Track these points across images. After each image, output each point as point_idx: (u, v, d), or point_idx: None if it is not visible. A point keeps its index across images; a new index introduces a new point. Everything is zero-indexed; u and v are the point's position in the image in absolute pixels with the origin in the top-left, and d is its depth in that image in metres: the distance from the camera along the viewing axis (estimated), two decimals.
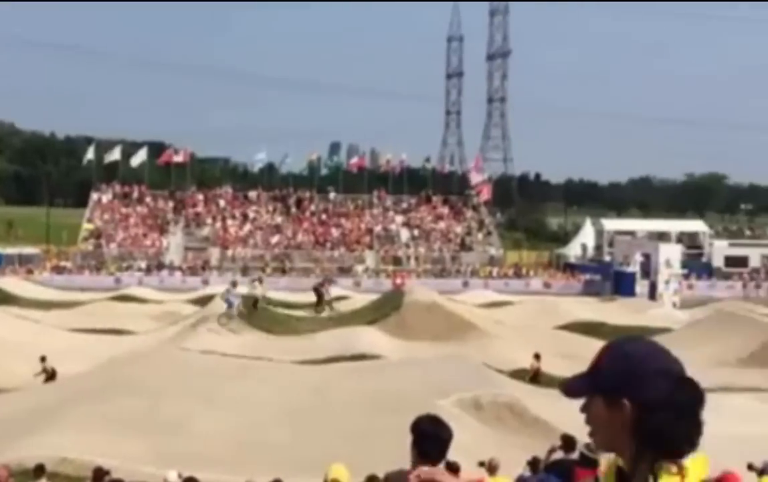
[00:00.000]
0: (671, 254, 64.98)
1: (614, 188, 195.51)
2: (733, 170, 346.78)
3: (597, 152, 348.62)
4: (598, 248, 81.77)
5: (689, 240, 78.39)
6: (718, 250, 77.46)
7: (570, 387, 2.57)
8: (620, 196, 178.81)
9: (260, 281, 44.31)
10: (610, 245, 77.62)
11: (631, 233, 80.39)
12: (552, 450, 13.43)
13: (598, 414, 2.50)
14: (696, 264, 73.22)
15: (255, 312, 39.85)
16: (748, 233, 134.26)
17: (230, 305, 37.79)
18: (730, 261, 74.41)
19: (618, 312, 50.83)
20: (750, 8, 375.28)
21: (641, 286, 64.41)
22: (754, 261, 74.50)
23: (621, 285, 65.23)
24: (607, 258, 75.93)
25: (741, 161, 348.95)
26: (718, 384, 32.26)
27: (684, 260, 67.70)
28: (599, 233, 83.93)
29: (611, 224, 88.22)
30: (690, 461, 2.58)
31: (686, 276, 67.17)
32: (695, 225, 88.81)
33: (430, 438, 4.66)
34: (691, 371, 2.57)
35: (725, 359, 35.90)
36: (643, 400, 2.42)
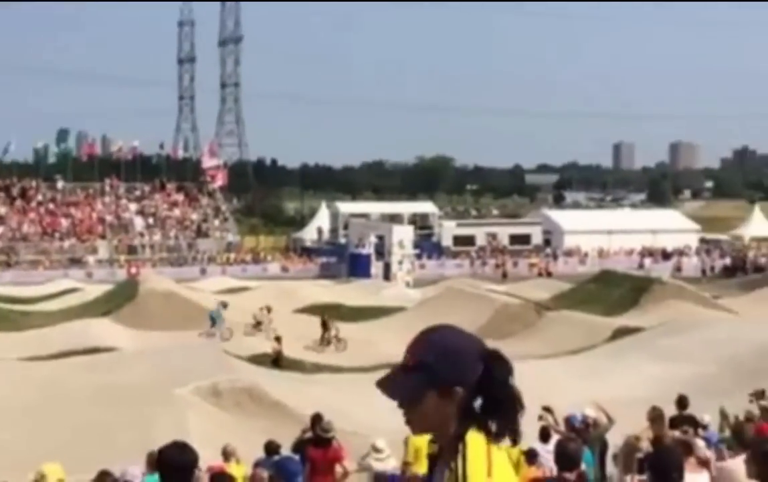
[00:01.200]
0: (404, 235, 67.14)
1: (348, 171, 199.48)
2: (459, 152, 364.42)
3: (332, 136, 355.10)
4: (334, 231, 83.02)
5: (420, 221, 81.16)
6: (447, 230, 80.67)
7: (399, 388, 2.67)
8: (354, 179, 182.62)
9: None
10: (345, 228, 78.93)
11: (366, 216, 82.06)
12: (304, 431, 13.54)
13: (430, 406, 2.62)
14: (427, 244, 75.99)
15: None
16: (474, 213, 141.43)
17: None
18: (458, 240, 77.76)
19: (354, 294, 51.93)
20: None
21: (376, 267, 66.05)
22: (480, 240, 78.25)
23: (356, 267, 66.53)
24: (343, 241, 77.17)
25: (466, 144, 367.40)
26: None
27: (416, 240, 70.09)
28: (334, 216, 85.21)
29: (346, 207, 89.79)
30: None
31: (418, 256, 69.57)
32: (425, 207, 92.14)
33: (176, 469, 4.46)
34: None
35: None
36: (470, 384, 2.60)
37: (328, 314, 38.73)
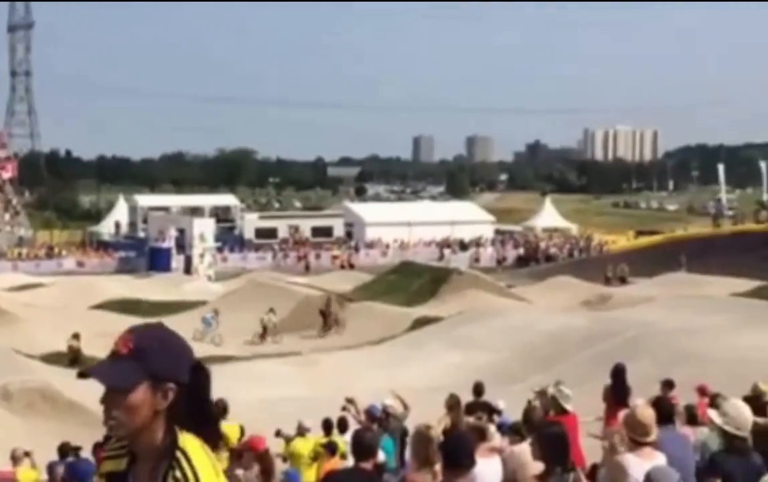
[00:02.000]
0: (205, 228, 66.26)
1: (147, 164, 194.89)
2: (261, 145, 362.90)
3: (129, 128, 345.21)
4: (132, 224, 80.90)
5: (222, 214, 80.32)
6: (249, 223, 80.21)
7: (110, 373, 2.51)
8: (154, 172, 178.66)
9: None
10: (145, 221, 77.13)
11: (165, 209, 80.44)
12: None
13: (140, 398, 2.48)
14: (229, 237, 75.28)
15: None
16: (276, 205, 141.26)
17: None
18: (261, 233, 77.43)
19: (154, 288, 50.80)
20: None
21: (177, 261, 64.90)
22: (282, 232, 78.18)
23: (156, 261, 65.14)
24: (142, 235, 75.40)
25: (268, 137, 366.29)
26: (253, 351, 33.76)
27: (217, 233, 69.31)
28: (133, 209, 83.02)
29: (145, 200, 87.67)
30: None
31: (220, 249, 68.83)
32: (227, 199, 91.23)
33: None
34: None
35: (258, 327, 37.48)
36: (182, 384, 2.51)
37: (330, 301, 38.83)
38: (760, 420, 6.84)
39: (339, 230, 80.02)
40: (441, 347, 28.87)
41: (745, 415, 5.59)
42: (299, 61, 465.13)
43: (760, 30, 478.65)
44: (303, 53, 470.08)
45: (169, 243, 65.95)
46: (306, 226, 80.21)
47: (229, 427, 10.00)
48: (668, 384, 13.38)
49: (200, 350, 30.74)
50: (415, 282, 45.70)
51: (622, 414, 6.03)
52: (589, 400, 12.49)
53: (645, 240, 70.53)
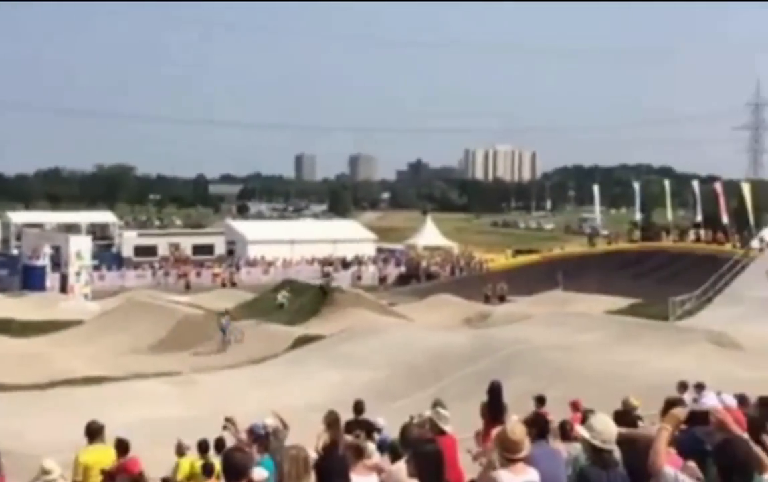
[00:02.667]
0: (82, 245, 64.57)
1: (21, 180, 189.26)
2: (140, 161, 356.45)
3: (3, 143, 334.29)
4: (5, 242, 78.29)
5: (100, 231, 78.52)
6: (128, 240, 78.60)
7: None
8: (28, 188, 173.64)
9: None
10: (18, 238, 74.77)
11: (40, 226, 78.23)
12: None
13: None
14: (106, 255, 73.61)
15: None
16: (156, 222, 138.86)
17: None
18: (140, 251, 75.96)
19: (28, 307, 49.23)
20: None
21: (52, 279, 63.10)
22: (163, 250, 76.92)
23: (30, 279, 63.21)
24: (15, 252, 73.04)
25: (148, 153, 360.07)
26: (131, 371, 32.98)
27: (95, 251, 67.70)
28: (6, 226, 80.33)
29: (19, 216, 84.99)
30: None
31: (97, 267, 67.29)
32: (105, 216, 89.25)
33: None
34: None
35: (137, 346, 36.77)
36: None
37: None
38: (624, 429, 7.08)
39: (220, 248, 79.19)
40: (322, 365, 28.82)
41: (610, 429, 5.78)
42: (180, 77, 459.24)
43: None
44: (185, 69, 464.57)
45: (44, 261, 64.07)
46: (187, 244, 79.07)
47: (100, 450, 9.73)
48: (540, 400, 13.69)
49: (77, 370, 30.03)
50: (297, 300, 45.62)
51: (495, 431, 6.14)
52: (470, 417, 12.65)
53: (523, 259, 71.94)
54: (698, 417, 5.16)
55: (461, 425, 11.21)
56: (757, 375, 19.97)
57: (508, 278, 59.26)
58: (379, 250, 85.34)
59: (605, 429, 5.71)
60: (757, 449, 4.94)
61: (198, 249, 77.93)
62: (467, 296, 50.58)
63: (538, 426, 7.02)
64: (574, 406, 13.23)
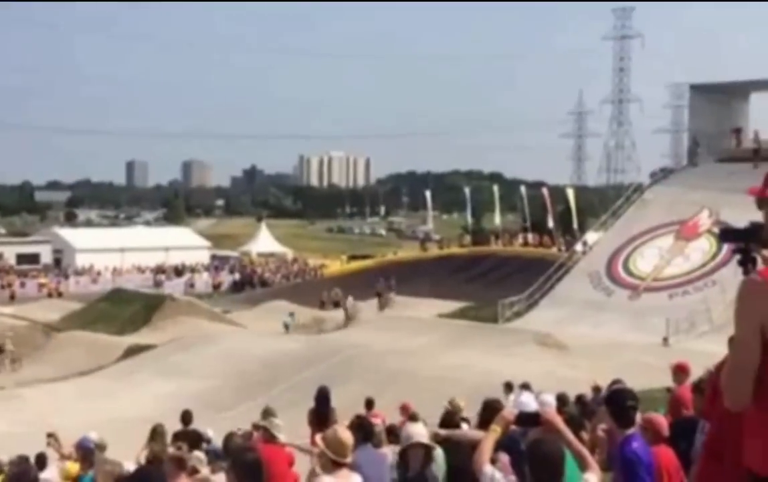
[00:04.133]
0: None
1: None
2: None
3: None
4: None
5: None
6: None
7: None
8: None
9: None
10: None
11: None
12: None
13: None
14: None
15: None
16: None
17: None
18: None
19: None
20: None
21: None
22: None
23: None
24: None
25: None
26: None
27: None
28: None
29: None
30: None
31: None
32: None
33: None
34: None
35: None
36: None
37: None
38: (443, 431, 7.20)
39: (47, 257, 76.48)
40: (153, 375, 28.26)
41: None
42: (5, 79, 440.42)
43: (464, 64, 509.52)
44: (10, 71, 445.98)
45: None
46: (10, 253, 76.15)
47: None
48: (368, 404, 13.81)
49: None
50: (127, 310, 44.45)
51: (318, 436, 6.10)
52: (303, 425, 12.65)
53: (357, 264, 72.44)
54: (528, 418, 5.25)
55: (295, 434, 11.15)
56: (580, 374, 20.78)
57: (343, 283, 59.51)
58: (213, 257, 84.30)
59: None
60: (580, 447, 5.06)
61: (22, 258, 75.08)
62: (302, 303, 50.52)
63: (362, 431, 7.01)
64: (404, 410, 13.39)
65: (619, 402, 6.00)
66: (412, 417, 9.63)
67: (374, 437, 7.54)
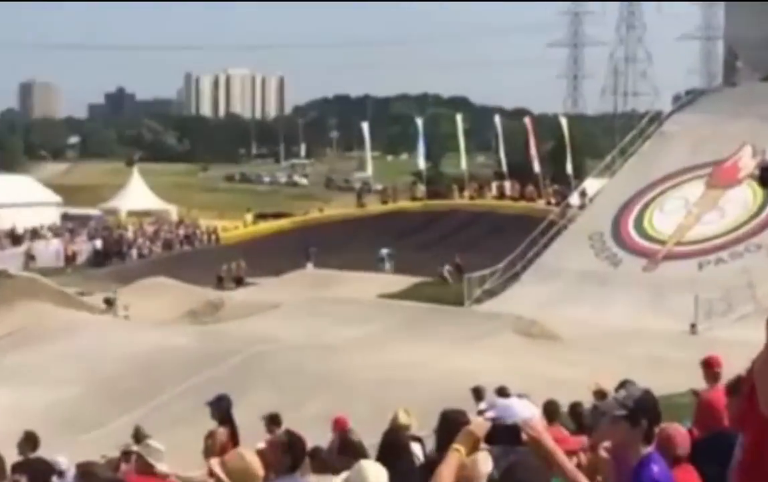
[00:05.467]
0: None
1: None
2: None
3: None
4: None
5: None
6: None
7: None
8: None
9: None
10: None
11: None
12: None
13: None
14: None
15: None
16: None
17: None
18: None
19: None
20: None
21: None
22: None
23: None
24: None
25: None
26: None
27: None
28: None
29: None
30: None
31: None
32: None
33: None
34: None
35: None
36: None
37: None
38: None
39: None
40: None
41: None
42: None
43: None
44: None
45: None
46: None
47: None
48: (272, 421, 13.82)
49: None
50: None
51: (213, 462, 6.11)
52: (193, 447, 12.60)
53: (268, 226, 72.35)
54: (506, 433, 4.99)
55: (183, 460, 11.13)
56: (577, 375, 20.66)
57: (247, 252, 59.42)
58: (65, 217, 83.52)
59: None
60: (576, 474, 5.06)
61: None
62: (191, 280, 50.34)
63: (293, 454, 6.80)
64: (337, 424, 13.41)
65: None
66: (350, 445, 9.66)
67: (303, 464, 7.43)
